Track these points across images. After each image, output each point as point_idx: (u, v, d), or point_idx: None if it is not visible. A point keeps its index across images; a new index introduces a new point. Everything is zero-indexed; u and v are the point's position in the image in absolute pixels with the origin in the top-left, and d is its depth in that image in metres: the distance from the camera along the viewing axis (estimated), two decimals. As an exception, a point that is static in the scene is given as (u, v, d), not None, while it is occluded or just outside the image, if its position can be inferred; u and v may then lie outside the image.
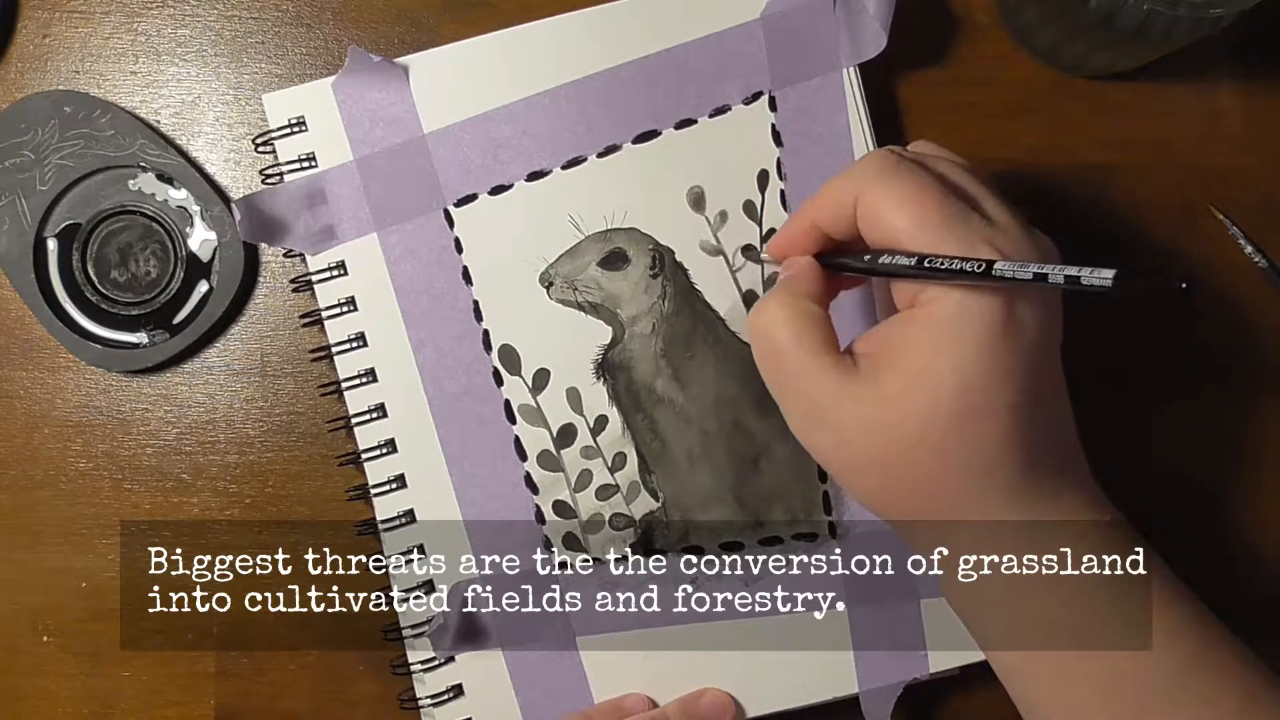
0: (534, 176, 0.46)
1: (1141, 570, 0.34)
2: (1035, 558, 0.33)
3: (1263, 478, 0.48)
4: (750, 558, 0.45)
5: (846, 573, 0.45)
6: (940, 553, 0.35)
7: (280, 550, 0.47)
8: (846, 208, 0.35)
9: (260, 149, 0.47)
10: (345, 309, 0.46)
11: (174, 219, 0.47)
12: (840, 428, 0.34)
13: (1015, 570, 0.33)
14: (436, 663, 0.45)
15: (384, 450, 0.46)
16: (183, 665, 0.47)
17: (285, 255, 0.48)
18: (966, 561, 0.34)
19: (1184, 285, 0.27)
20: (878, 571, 0.45)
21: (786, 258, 0.38)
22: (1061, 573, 0.33)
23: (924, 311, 0.33)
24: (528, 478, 0.46)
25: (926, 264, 0.32)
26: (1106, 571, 0.33)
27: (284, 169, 0.46)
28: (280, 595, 0.47)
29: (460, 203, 0.46)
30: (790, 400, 0.35)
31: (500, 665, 0.45)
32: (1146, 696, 0.33)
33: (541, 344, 0.46)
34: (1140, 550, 0.34)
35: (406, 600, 0.46)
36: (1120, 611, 0.33)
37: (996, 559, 0.33)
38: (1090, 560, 0.33)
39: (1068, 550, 0.33)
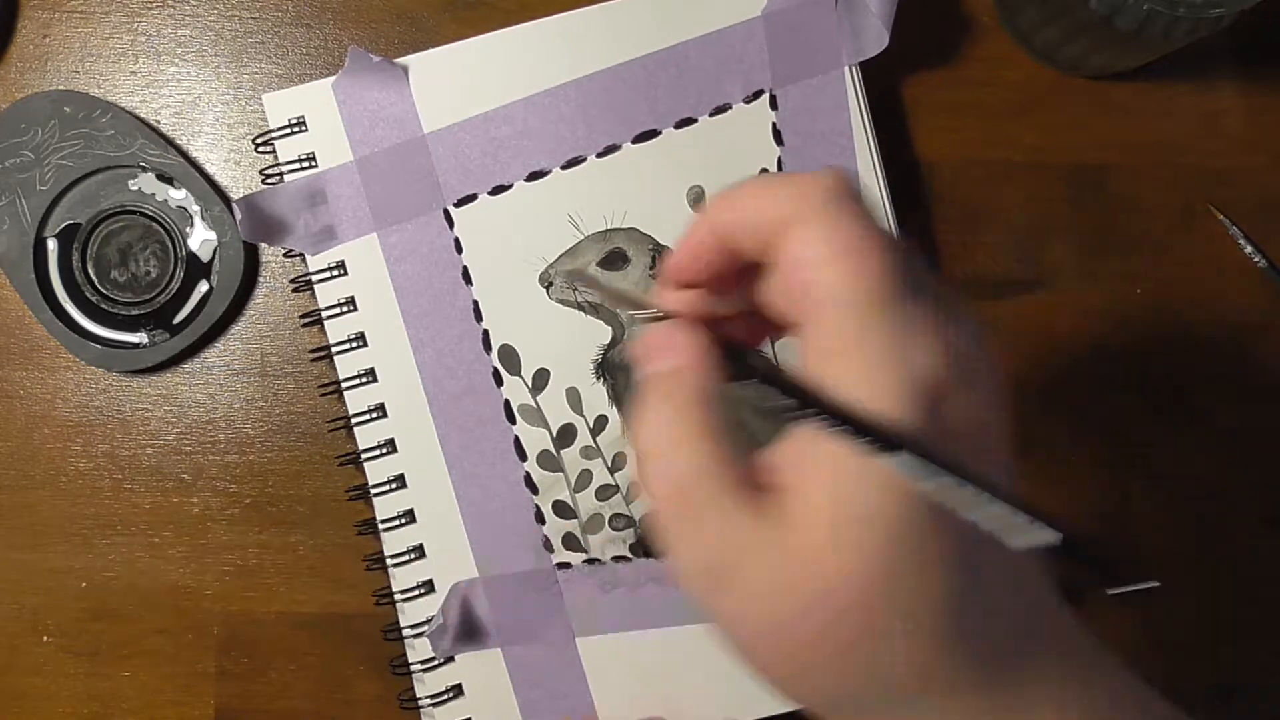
0: (534, 176, 0.46)
1: None
2: None
3: (1263, 478, 0.48)
4: (750, 558, 0.45)
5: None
6: None
7: (280, 551, 0.47)
8: (773, 227, 0.26)
9: (260, 149, 0.47)
10: (345, 309, 0.46)
11: (174, 219, 0.47)
12: (747, 588, 0.25)
13: None
14: (436, 663, 0.45)
15: (384, 450, 0.46)
16: (183, 665, 0.47)
17: (285, 255, 0.48)
18: None
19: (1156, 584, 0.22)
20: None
21: (677, 302, 0.29)
22: None
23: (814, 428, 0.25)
24: (528, 478, 0.46)
25: (844, 419, 0.24)
26: None
27: (284, 169, 0.46)
28: (280, 595, 0.47)
29: (460, 203, 0.46)
30: (690, 547, 0.26)
31: (500, 665, 0.45)
32: None
33: (541, 344, 0.46)
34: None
35: (406, 600, 0.45)
36: None
37: None
38: None
39: None
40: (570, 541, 0.46)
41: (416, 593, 0.45)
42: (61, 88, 0.48)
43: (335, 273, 0.46)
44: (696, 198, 0.46)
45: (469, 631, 0.45)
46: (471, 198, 0.46)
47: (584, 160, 0.46)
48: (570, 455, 0.46)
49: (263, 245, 0.48)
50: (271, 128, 0.46)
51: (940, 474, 0.23)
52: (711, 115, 0.46)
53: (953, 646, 0.24)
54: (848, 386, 0.24)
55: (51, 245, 0.47)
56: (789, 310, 0.26)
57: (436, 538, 0.46)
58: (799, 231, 0.25)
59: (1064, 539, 0.22)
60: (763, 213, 0.26)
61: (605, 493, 0.46)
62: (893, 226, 0.45)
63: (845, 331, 0.24)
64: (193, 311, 0.47)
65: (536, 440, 0.46)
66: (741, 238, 0.27)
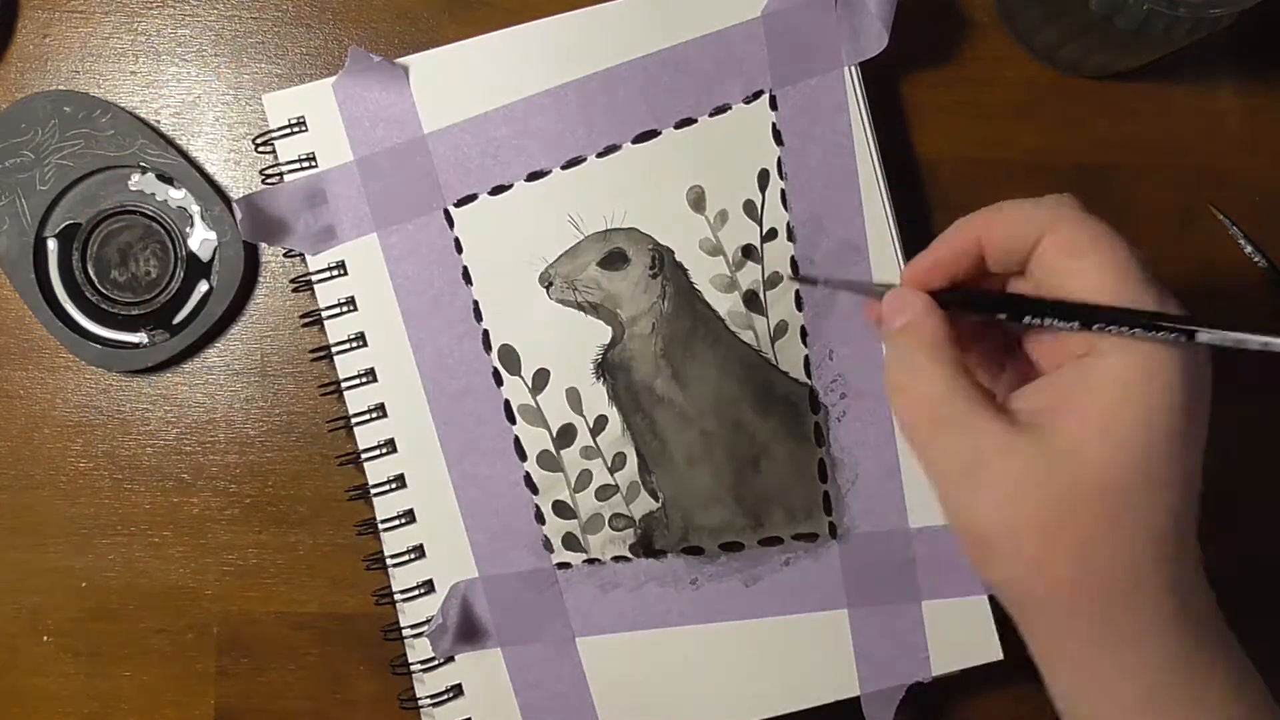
0: (534, 176, 0.46)
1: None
2: (1179, 674, 0.30)
3: (1263, 478, 0.48)
4: (750, 558, 0.45)
5: (847, 574, 0.45)
6: (1065, 642, 0.31)
7: (280, 551, 0.47)
8: (1023, 239, 0.32)
9: (260, 149, 0.47)
10: (345, 309, 0.46)
11: (174, 219, 0.47)
12: (1000, 485, 0.30)
13: (1151, 685, 0.30)
14: (436, 662, 0.45)
15: (384, 450, 0.46)
16: (183, 665, 0.47)
17: (285, 255, 0.48)
18: (1113, 659, 0.30)
19: None
20: (878, 573, 0.45)
21: (926, 283, 0.34)
22: (1204, 700, 0.30)
23: (1103, 363, 0.30)
24: (527, 478, 0.46)
25: (1126, 318, 0.30)
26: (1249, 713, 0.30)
27: (284, 169, 0.46)
28: (280, 595, 0.47)
29: (460, 203, 0.46)
30: (939, 454, 0.31)
31: (500, 665, 0.45)
32: None
33: (541, 344, 0.46)
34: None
35: (406, 600, 0.46)
36: None
37: (1151, 657, 0.30)
38: (1235, 694, 0.30)
39: (1211, 674, 0.30)
40: (570, 541, 0.46)
41: (416, 593, 0.46)
42: (61, 88, 0.48)
43: (335, 273, 0.46)
44: (696, 198, 0.46)
45: (469, 631, 0.45)
46: (472, 198, 0.46)
47: (584, 160, 0.46)
48: (570, 455, 0.46)
49: (263, 245, 0.48)
50: (271, 128, 0.46)
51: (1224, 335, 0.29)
52: (711, 115, 0.46)
53: (1171, 553, 0.29)
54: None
55: (51, 245, 0.47)
56: (1061, 293, 0.31)
57: (436, 538, 0.46)
58: (1051, 239, 0.31)
59: None
60: (1016, 220, 0.32)
61: (605, 493, 0.46)
62: (892, 226, 0.45)
63: (1113, 298, 0.30)
64: (193, 311, 0.47)
65: (536, 440, 0.46)
66: (997, 244, 0.32)
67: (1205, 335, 0.29)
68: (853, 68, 0.45)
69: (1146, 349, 0.30)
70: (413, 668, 0.46)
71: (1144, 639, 0.30)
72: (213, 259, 0.47)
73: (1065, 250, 0.31)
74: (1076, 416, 0.30)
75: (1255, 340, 0.29)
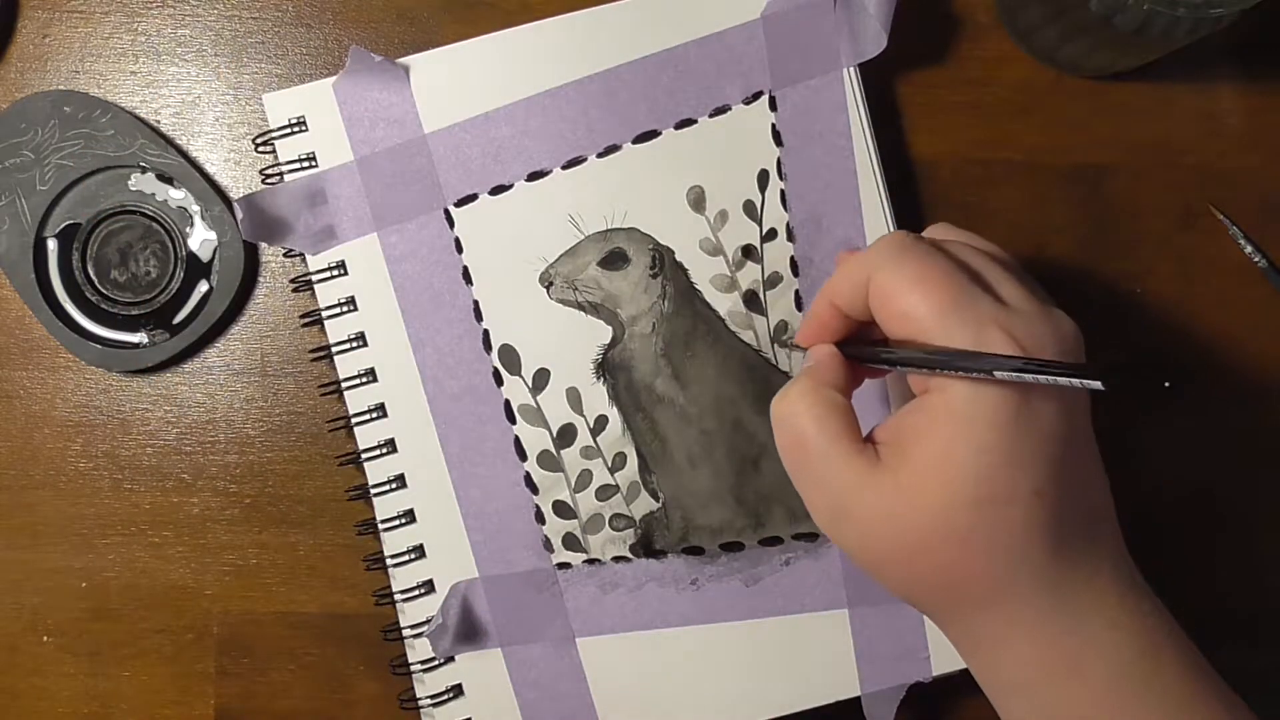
0: (534, 176, 0.46)
1: (1175, 661, 0.33)
2: (1064, 647, 0.32)
3: (1263, 478, 0.48)
4: (750, 558, 0.45)
5: (847, 574, 0.45)
6: (970, 642, 0.34)
7: (280, 550, 0.47)
8: (860, 288, 0.35)
9: (260, 149, 0.47)
10: (345, 309, 0.46)
11: (174, 219, 0.47)
12: (862, 520, 0.33)
13: (1044, 661, 0.32)
14: (436, 663, 0.45)
15: (384, 450, 0.46)
16: (183, 665, 0.47)
17: (285, 255, 0.48)
18: (996, 651, 0.33)
19: (1166, 384, 0.28)
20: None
21: (812, 345, 0.38)
22: (1092, 663, 0.32)
23: (938, 399, 0.32)
24: (528, 478, 0.46)
25: (935, 359, 0.32)
26: (1139, 662, 0.32)
27: (284, 169, 0.46)
28: (280, 595, 0.47)
29: (460, 203, 0.46)
30: (814, 492, 0.35)
31: (500, 665, 0.45)
32: None
33: (541, 344, 0.46)
34: (1174, 638, 0.33)
35: (406, 600, 0.46)
36: (1151, 703, 0.33)
37: (1026, 649, 0.33)
38: (1116, 651, 0.32)
39: (1098, 638, 0.32)
40: (570, 541, 0.46)
41: (416, 593, 0.46)
42: (61, 88, 0.48)
43: (335, 273, 0.46)
44: (696, 198, 0.46)
45: (469, 631, 0.45)
46: (472, 198, 0.46)
47: (584, 160, 0.46)
48: (570, 455, 0.46)
49: (263, 245, 0.48)
50: (271, 128, 0.46)
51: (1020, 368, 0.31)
52: (711, 116, 0.46)
53: (1035, 557, 0.32)
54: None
55: (51, 245, 0.47)
56: (895, 334, 0.34)
57: (436, 538, 0.46)
58: (874, 287, 0.34)
59: (1104, 376, 0.29)
60: (851, 273, 0.35)
61: (605, 493, 0.46)
62: (892, 227, 0.45)
63: (931, 335, 0.33)
64: (193, 311, 0.47)
65: (536, 440, 0.46)
66: (841, 299, 0.36)
67: (1001, 374, 0.31)
68: (852, 68, 0.45)
69: (969, 384, 0.32)
70: (413, 668, 0.46)
71: (1011, 636, 0.33)
72: (213, 259, 0.47)
73: (886, 294, 0.34)
74: (916, 454, 0.32)
75: (1044, 379, 0.30)
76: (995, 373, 0.31)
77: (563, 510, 0.46)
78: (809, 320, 0.38)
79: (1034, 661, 0.33)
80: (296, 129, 0.46)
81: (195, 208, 0.47)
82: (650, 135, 0.46)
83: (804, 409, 0.35)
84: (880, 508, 0.33)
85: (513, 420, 0.46)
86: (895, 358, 0.34)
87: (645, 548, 0.45)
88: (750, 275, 0.46)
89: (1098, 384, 0.29)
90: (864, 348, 0.37)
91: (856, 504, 0.33)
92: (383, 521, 0.46)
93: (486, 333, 0.46)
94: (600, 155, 0.46)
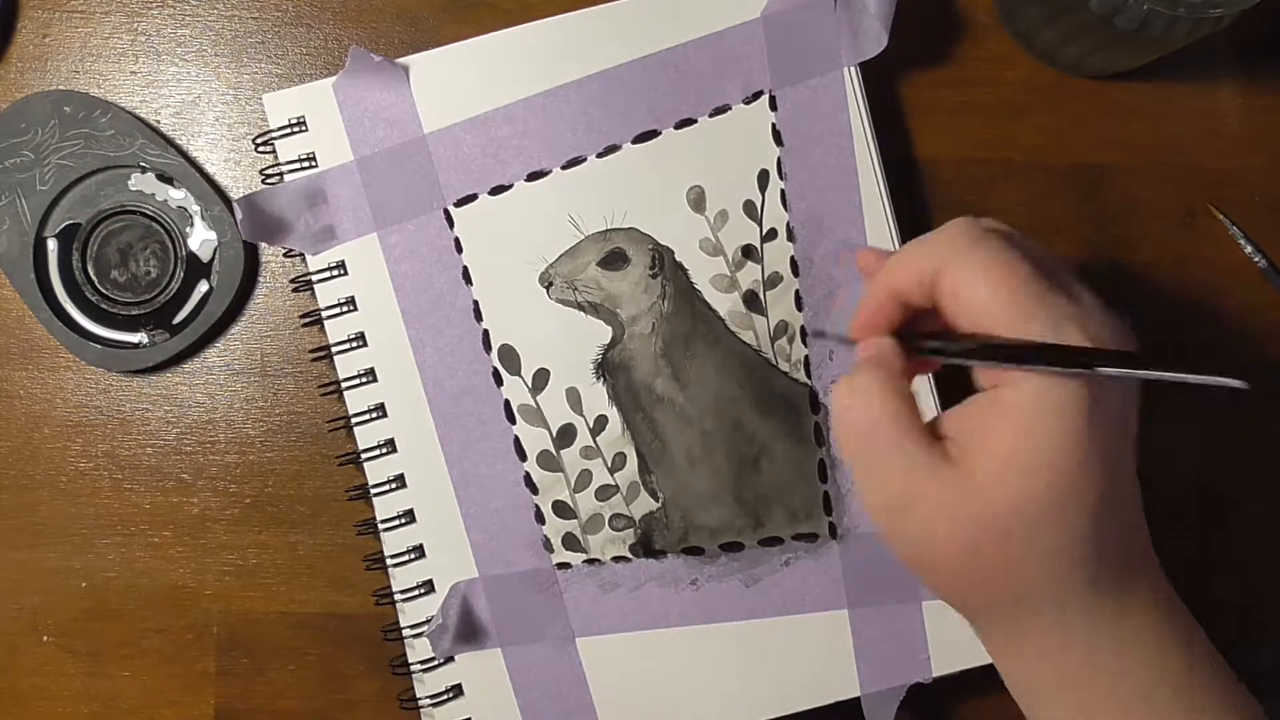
0: (534, 176, 0.46)
1: (1206, 670, 0.33)
2: (1110, 651, 0.32)
3: (1263, 478, 0.48)
4: (750, 558, 0.45)
5: (847, 574, 0.45)
6: (1015, 645, 0.34)
7: (280, 550, 0.47)
8: (927, 277, 0.33)
9: (260, 149, 0.47)
10: (345, 309, 0.46)
11: (174, 219, 0.47)
12: (926, 516, 0.32)
13: (1093, 664, 0.32)
14: (436, 662, 0.45)
15: (384, 450, 0.46)
16: (183, 665, 0.47)
17: (285, 255, 0.48)
18: (1044, 654, 0.33)
19: (1245, 386, 0.29)
20: (879, 573, 0.45)
21: (868, 337, 0.36)
22: (1135, 669, 0.32)
23: (1010, 394, 0.31)
24: (527, 478, 0.46)
25: (1025, 356, 0.31)
26: (1179, 671, 0.32)
27: (284, 169, 0.46)
28: (280, 595, 0.47)
29: (460, 203, 0.46)
30: (877, 483, 0.33)
31: (500, 665, 0.45)
32: None
33: (541, 344, 0.46)
34: (1207, 647, 0.33)
35: (406, 600, 0.46)
36: (1180, 708, 0.33)
37: (1074, 654, 0.32)
38: (1156, 659, 0.32)
39: (1143, 644, 0.32)
40: (570, 541, 0.46)
41: (416, 593, 0.46)
42: (61, 88, 0.48)
43: (335, 273, 0.46)
44: (696, 198, 0.46)
45: (469, 631, 0.45)
46: (472, 198, 0.46)
47: (584, 160, 0.46)
48: (570, 455, 0.46)
49: (263, 245, 0.48)
50: (271, 128, 0.46)
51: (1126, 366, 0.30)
52: (711, 116, 0.46)
53: (1085, 567, 0.31)
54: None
55: (51, 245, 0.47)
56: (965, 327, 0.33)
57: (436, 538, 0.46)
58: (946, 277, 0.33)
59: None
60: (918, 262, 0.34)
61: (605, 493, 0.46)
62: (892, 226, 0.45)
63: (1010, 329, 0.31)
64: (193, 311, 0.47)
65: (536, 440, 0.46)
66: (905, 287, 0.34)
67: (1106, 371, 0.30)
68: (852, 68, 0.45)
69: (1045, 379, 0.31)
70: (413, 668, 0.46)
71: (1063, 641, 0.32)
72: (213, 259, 0.47)
73: (959, 287, 0.32)
74: (992, 446, 0.31)
75: (1170, 377, 0.30)
76: (1098, 370, 0.30)
77: (562, 510, 0.46)
78: (869, 310, 0.36)
79: (1082, 665, 0.32)
80: (296, 129, 0.46)
81: (195, 208, 0.47)
82: (650, 135, 0.46)
83: (877, 399, 0.33)
84: (947, 504, 0.32)
85: (512, 420, 0.46)
86: (975, 352, 0.32)
87: (645, 548, 0.45)
88: (750, 275, 0.46)
89: (1239, 383, 0.28)
90: (933, 341, 0.35)
91: (922, 498, 0.32)
92: (383, 521, 0.46)
93: (486, 333, 0.46)
94: (600, 155, 0.46)
